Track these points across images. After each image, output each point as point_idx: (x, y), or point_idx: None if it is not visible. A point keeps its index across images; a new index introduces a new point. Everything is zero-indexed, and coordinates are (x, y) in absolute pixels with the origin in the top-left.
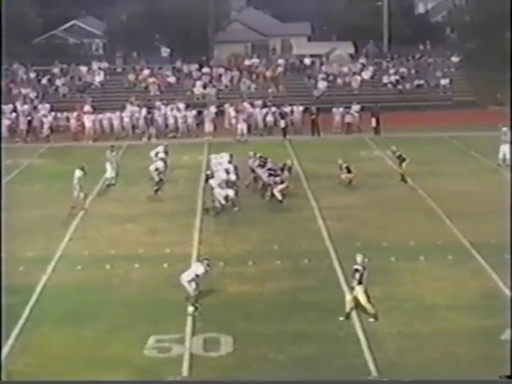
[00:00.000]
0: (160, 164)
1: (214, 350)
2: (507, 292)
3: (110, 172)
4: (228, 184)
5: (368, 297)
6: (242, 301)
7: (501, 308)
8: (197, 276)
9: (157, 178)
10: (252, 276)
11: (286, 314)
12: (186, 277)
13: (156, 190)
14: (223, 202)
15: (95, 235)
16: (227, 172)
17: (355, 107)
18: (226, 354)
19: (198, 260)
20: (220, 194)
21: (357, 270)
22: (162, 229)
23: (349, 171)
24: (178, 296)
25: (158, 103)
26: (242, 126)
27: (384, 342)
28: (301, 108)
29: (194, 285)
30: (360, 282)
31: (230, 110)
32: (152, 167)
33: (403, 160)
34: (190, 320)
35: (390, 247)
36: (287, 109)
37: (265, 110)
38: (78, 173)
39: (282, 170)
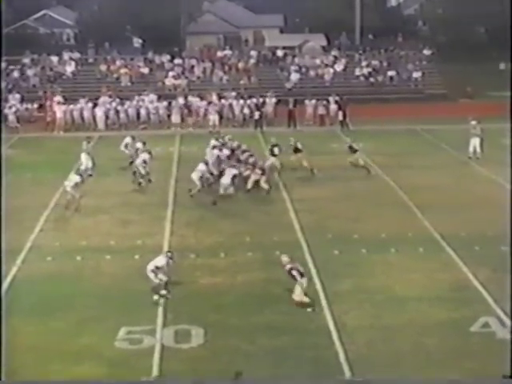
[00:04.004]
0: (146, 156)
1: (185, 342)
2: (476, 284)
3: (85, 163)
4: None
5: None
6: (214, 292)
7: (470, 300)
8: (157, 268)
9: (143, 171)
10: (223, 268)
11: (258, 306)
12: (148, 267)
13: (139, 183)
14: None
15: (66, 226)
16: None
17: (334, 98)
18: (197, 346)
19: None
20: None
21: (292, 269)
22: (134, 220)
23: (297, 150)
24: (149, 287)
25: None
26: (214, 118)
27: (355, 334)
28: (273, 100)
29: (152, 275)
30: (302, 275)
31: (198, 102)
32: (139, 161)
33: (355, 151)
34: (161, 311)
35: (361, 239)
36: (259, 100)
37: (242, 102)
38: (75, 178)
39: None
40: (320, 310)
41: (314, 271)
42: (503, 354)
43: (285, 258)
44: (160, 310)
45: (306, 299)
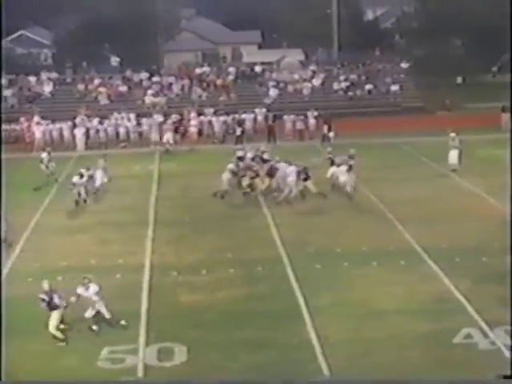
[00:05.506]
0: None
1: (168, 360)
2: (458, 295)
3: (99, 179)
4: None
5: (58, 324)
6: (196, 310)
7: (451, 312)
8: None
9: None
10: (205, 285)
11: (239, 322)
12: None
13: (77, 202)
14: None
15: (46, 247)
16: None
17: (313, 113)
18: (180, 364)
19: (150, 270)
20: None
21: (43, 300)
22: (114, 239)
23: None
24: (130, 306)
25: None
26: (193, 135)
27: (337, 348)
28: (252, 116)
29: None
30: (54, 308)
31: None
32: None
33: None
34: (143, 330)
35: (343, 253)
36: (247, 116)
37: (222, 118)
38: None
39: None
40: (303, 325)
41: (296, 286)
42: (486, 364)
43: (44, 285)
44: (142, 328)
45: (59, 334)
